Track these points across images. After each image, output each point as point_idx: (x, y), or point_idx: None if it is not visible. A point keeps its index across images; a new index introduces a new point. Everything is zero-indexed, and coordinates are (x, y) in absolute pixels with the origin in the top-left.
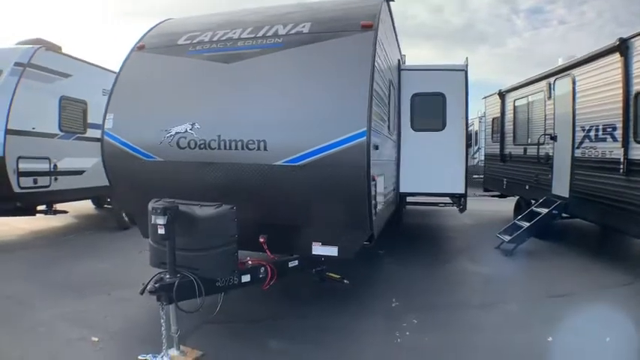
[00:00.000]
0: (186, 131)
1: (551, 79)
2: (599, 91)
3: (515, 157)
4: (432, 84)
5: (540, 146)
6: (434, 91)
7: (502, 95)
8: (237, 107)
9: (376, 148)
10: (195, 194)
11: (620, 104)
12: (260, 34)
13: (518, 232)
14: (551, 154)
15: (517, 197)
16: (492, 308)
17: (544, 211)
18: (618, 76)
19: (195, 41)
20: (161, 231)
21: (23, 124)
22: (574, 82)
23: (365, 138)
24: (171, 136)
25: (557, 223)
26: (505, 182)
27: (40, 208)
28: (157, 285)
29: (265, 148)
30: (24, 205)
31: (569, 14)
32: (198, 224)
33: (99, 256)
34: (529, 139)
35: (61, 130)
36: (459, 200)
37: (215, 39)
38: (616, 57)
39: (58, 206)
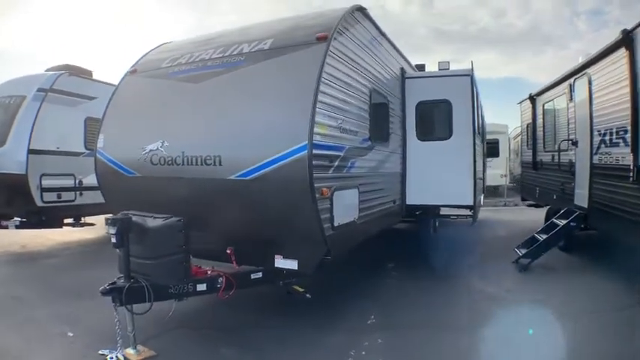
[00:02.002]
0: (157, 148)
1: (571, 80)
2: (610, 90)
3: (545, 164)
4: (437, 91)
5: (563, 153)
6: (439, 99)
7: (533, 99)
8: (198, 124)
9: (330, 161)
10: (167, 207)
11: (629, 104)
12: (227, 53)
13: (533, 246)
14: (574, 160)
15: (548, 207)
16: (472, 331)
17: (563, 223)
18: (626, 73)
19: (175, 64)
20: (113, 240)
21: (46, 144)
22: (590, 82)
23: (306, 152)
24: (146, 153)
25: (590, 235)
26: (537, 191)
27: (67, 221)
28: (108, 287)
29: (220, 163)
30: (48, 218)
31: (625, 15)
32: (148, 234)
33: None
34: (555, 145)
35: (86, 149)
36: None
37: (191, 60)
38: (622, 52)
39: (87, 219)
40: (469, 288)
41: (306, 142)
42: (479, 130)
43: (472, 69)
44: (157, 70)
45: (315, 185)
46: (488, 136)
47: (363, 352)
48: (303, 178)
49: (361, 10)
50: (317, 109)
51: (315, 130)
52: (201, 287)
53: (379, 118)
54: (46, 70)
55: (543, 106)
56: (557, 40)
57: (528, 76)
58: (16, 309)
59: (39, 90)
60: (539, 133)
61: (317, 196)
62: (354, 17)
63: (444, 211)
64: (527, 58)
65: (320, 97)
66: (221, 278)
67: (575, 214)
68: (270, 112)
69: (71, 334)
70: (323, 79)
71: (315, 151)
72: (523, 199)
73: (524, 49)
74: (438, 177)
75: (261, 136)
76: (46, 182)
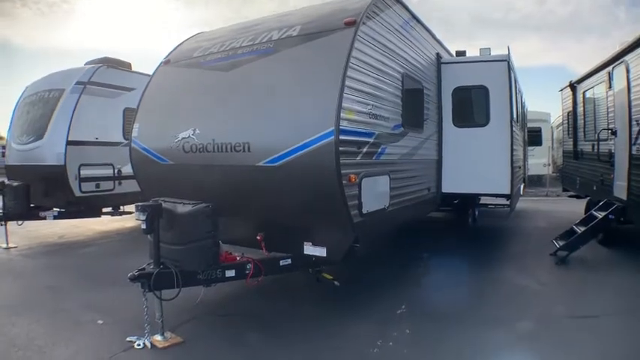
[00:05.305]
0: (189, 136)
1: (610, 68)
2: None
3: (586, 153)
4: (474, 77)
5: (603, 142)
6: (475, 85)
7: (573, 87)
8: (228, 112)
9: (359, 147)
10: (199, 194)
11: None
12: (257, 40)
13: (571, 238)
14: (613, 151)
15: (588, 198)
16: (501, 325)
17: (602, 215)
18: None
19: (206, 53)
20: (143, 226)
21: (85, 135)
22: (628, 70)
23: (333, 137)
24: (178, 141)
25: (631, 228)
26: (578, 181)
27: (106, 210)
28: (136, 273)
29: (249, 150)
30: (87, 208)
31: None
32: (177, 220)
33: None
34: (595, 135)
35: (125, 139)
36: (510, 202)
37: (222, 49)
38: None
39: (126, 208)
40: (504, 280)
41: (333, 128)
42: (518, 117)
43: (509, 54)
44: (189, 59)
45: (342, 171)
46: (530, 124)
47: (390, 343)
48: (330, 164)
49: None
50: (344, 95)
51: (343, 115)
52: (230, 273)
53: (413, 104)
54: (85, 64)
55: (583, 94)
56: (599, 29)
57: (570, 65)
58: (48, 298)
59: (77, 83)
60: (580, 121)
61: (344, 182)
62: (383, 1)
63: (482, 200)
64: (570, 45)
65: (347, 83)
66: (249, 264)
67: (614, 207)
68: (297, 98)
69: (101, 322)
70: (351, 64)
71: (342, 137)
72: (564, 190)
73: (566, 37)
74: (474, 165)
75: (289, 122)
76: (85, 172)
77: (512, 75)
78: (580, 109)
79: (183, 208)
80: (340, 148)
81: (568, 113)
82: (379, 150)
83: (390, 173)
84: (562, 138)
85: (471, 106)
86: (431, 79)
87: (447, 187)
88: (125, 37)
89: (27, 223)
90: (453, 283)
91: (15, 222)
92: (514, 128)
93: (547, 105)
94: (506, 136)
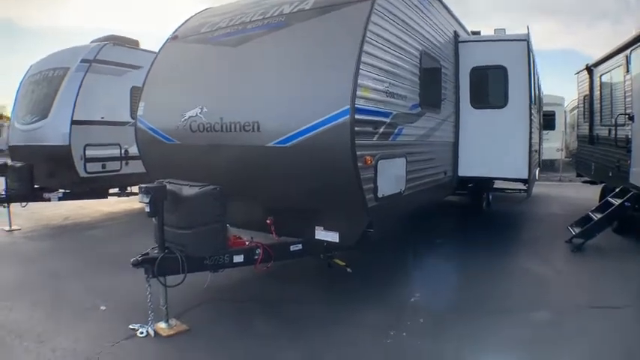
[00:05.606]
0: (196, 115)
1: (628, 51)
2: None
3: (602, 138)
4: (493, 56)
5: (620, 127)
6: (494, 64)
7: (590, 70)
8: (237, 89)
9: (375, 127)
10: (207, 175)
11: None
12: (268, 14)
13: (587, 225)
14: (630, 136)
15: (603, 185)
16: (516, 315)
17: (618, 202)
18: None
19: (215, 28)
20: (146, 209)
21: (91, 115)
22: None
23: (348, 117)
24: (185, 120)
25: None
26: (593, 167)
27: (113, 190)
28: (139, 258)
29: (259, 130)
30: (93, 189)
31: None
32: (183, 203)
33: None
34: (612, 119)
35: (132, 118)
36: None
37: (231, 24)
38: None
39: (134, 189)
40: (519, 268)
41: (348, 106)
42: (535, 99)
43: (528, 34)
44: (197, 35)
45: (358, 153)
46: (545, 108)
47: (404, 334)
48: (345, 145)
49: None
50: (360, 71)
51: (359, 93)
52: (238, 259)
53: (430, 83)
54: (91, 42)
55: (600, 77)
56: (613, 14)
57: (583, 49)
58: (50, 282)
59: (83, 61)
60: (596, 105)
61: (360, 164)
62: None
63: (497, 185)
64: (583, 30)
65: (364, 59)
66: (259, 249)
67: (630, 194)
68: (310, 75)
69: (103, 308)
70: (367, 39)
71: (357, 116)
72: (578, 175)
73: (580, 21)
74: (491, 148)
75: (301, 100)
76: (90, 153)
77: (532, 55)
78: (597, 93)
79: (189, 190)
80: (356, 128)
81: (584, 97)
82: (396, 131)
83: (406, 155)
84: (576, 122)
85: (489, 87)
86: (448, 58)
87: (464, 171)
88: (132, 17)
89: (31, 204)
90: (467, 270)
91: (18, 204)
92: (532, 110)
93: (559, 89)
94: (525, 118)
